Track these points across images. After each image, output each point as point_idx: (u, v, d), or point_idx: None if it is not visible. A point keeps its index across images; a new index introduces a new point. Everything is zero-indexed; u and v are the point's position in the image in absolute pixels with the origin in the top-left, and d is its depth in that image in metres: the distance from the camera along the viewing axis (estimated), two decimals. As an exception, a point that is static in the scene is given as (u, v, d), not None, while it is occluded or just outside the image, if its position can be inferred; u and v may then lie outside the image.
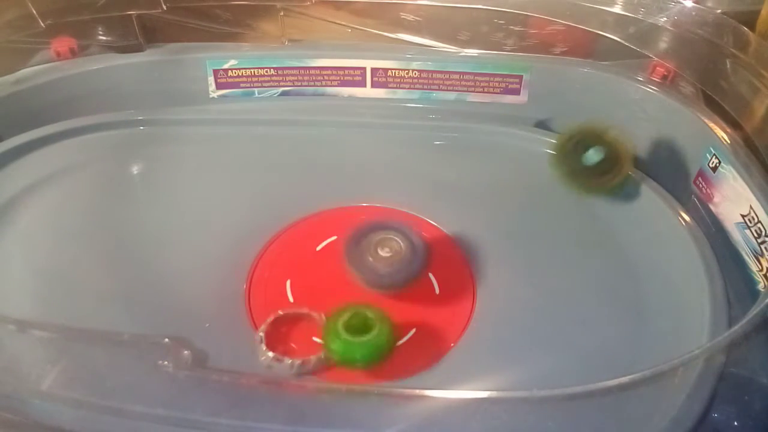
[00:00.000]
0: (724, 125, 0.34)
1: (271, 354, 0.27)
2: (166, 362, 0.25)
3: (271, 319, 0.29)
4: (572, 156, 0.34)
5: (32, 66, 0.40)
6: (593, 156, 0.33)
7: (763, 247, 0.30)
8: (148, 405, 0.24)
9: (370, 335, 0.27)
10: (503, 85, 0.41)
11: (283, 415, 0.24)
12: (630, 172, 0.34)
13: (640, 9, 0.37)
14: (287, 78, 0.42)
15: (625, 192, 0.35)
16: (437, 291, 0.31)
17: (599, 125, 0.33)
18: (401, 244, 0.30)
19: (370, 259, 0.30)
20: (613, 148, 0.33)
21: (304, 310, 0.29)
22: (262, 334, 0.28)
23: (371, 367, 0.27)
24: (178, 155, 0.38)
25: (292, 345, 0.28)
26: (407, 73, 0.41)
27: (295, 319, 0.29)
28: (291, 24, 0.42)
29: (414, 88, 0.42)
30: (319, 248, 0.32)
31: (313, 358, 0.27)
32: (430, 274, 0.31)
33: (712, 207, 0.34)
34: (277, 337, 0.28)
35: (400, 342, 0.28)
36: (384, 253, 0.30)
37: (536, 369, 0.27)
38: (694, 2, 0.36)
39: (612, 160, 0.33)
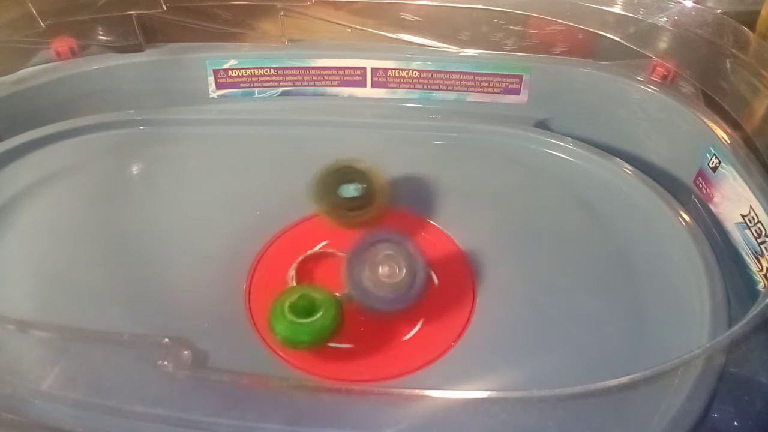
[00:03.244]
0: (724, 125, 0.34)
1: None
2: (166, 362, 0.25)
3: (300, 258, 0.31)
4: (330, 190, 0.33)
5: (32, 66, 0.40)
6: (350, 190, 0.32)
7: (763, 247, 0.30)
8: (148, 405, 0.24)
9: (314, 317, 0.27)
10: (503, 85, 0.41)
11: (283, 415, 0.24)
12: (383, 206, 0.33)
13: (640, 9, 0.37)
14: (287, 78, 0.42)
15: (626, 192, 0.35)
16: (437, 291, 0.31)
17: (357, 162, 0.33)
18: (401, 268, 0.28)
19: (370, 282, 0.28)
20: (368, 184, 0.32)
21: (330, 250, 0.32)
22: (293, 273, 0.31)
23: (316, 348, 0.28)
24: (178, 155, 0.38)
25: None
26: (407, 73, 0.41)
27: (320, 257, 0.32)
28: (291, 24, 0.42)
29: (414, 88, 0.42)
30: (319, 248, 0.32)
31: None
32: (431, 273, 0.31)
33: (712, 207, 0.34)
34: (305, 274, 0.31)
35: (402, 340, 0.28)
36: (385, 277, 0.28)
37: (536, 369, 0.27)
38: (694, 2, 0.36)
39: (367, 196, 0.32)
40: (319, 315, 0.27)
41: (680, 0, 0.37)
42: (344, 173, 0.33)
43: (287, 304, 0.27)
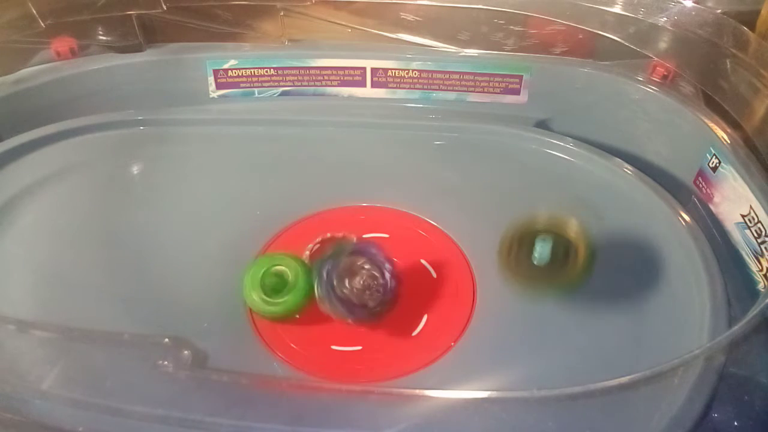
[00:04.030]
0: (724, 125, 0.34)
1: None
2: (166, 362, 0.25)
3: (319, 239, 0.32)
4: (520, 258, 0.30)
5: (32, 66, 0.40)
6: (542, 251, 0.28)
7: (763, 247, 0.30)
8: (148, 405, 0.24)
9: (285, 296, 0.28)
10: (503, 85, 0.41)
11: (282, 415, 0.24)
12: (588, 259, 0.29)
13: (640, 9, 0.37)
14: (287, 78, 0.42)
15: (626, 192, 0.35)
16: (437, 291, 0.31)
17: (540, 216, 0.30)
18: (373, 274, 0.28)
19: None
20: (561, 235, 0.29)
21: (340, 234, 0.32)
22: (307, 253, 0.31)
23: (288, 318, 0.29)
24: (178, 155, 0.38)
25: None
26: (407, 73, 0.41)
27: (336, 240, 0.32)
28: (291, 24, 0.42)
29: (414, 88, 0.42)
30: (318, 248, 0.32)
31: None
32: (432, 272, 0.31)
33: (712, 207, 0.34)
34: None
35: (402, 340, 0.29)
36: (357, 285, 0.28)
37: (536, 369, 0.27)
38: (694, 2, 0.36)
39: (564, 250, 0.29)
40: (290, 293, 0.28)
41: (680, 0, 0.37)
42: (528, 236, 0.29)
43: (262, 279, 0.28)
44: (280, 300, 0.28)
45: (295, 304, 0.28)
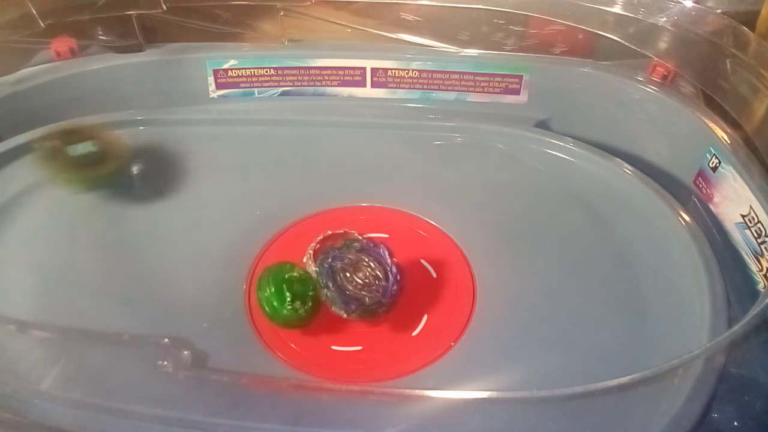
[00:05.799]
0: (724, 125, 0.34)
1: (314, 268, 0.29)
2: (166, 362, 0.25)
3: (320, 237, 0.32)
4: (59, 153, 0.34)
5: (32, 66, 0.40)
6: (82, 149, 0.34)
7: (763, 247, 0.30)
8: (148, 405, 0.24)
9: (298, 308, 0.28)
10: (503, 85, 0.41)
11: (282, 415, 0.24)
12: (118, 163, 0.35)
13: (640, 9, 0.37)
14: (287, 78, 0.42)
15: (626, 192, 0.35)
16: (437, 291, 0.31)
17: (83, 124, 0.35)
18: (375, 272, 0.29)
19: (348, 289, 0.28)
20: (100, 142, 0.35)
21: (341, 231, 0.32)
22: (311, 251, 0.31)
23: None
24: (178, 155, 0.38)
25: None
26: (407, 73, 0.41)
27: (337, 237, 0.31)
28: (291, 24, 0.42)
29: (414, 88, 0.42)
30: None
31: None
32: (432, 272, 0.31)
33: (712, 207, 0.34)
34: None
35: (403, 340, 0.28)
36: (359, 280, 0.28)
37: (536, 369, 0.27)
38: (694, 2, 0.36)
39: (100, 153, 0.35)
40: (303, 307, 0.28)
41: (680, 0, 0.37)
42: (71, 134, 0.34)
43: (290, 282, 0.28)
44: (305, 306, 0.28)
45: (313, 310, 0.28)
